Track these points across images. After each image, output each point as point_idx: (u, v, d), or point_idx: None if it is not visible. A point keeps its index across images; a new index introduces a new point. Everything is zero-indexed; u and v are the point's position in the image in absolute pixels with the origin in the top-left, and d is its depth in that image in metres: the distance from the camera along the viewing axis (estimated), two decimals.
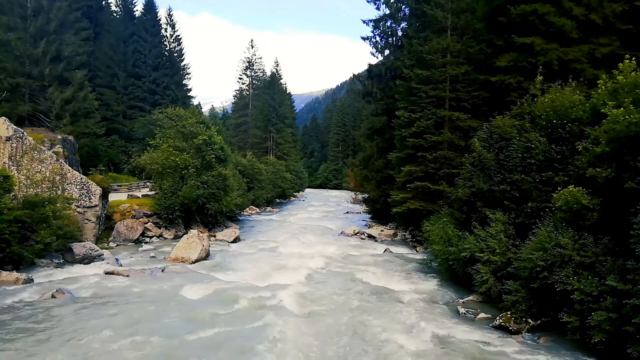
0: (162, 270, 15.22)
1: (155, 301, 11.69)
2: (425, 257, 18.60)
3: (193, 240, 17.86)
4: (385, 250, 20.88)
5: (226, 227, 26.43)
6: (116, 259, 16.86)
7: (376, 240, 24.73)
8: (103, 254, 16.83)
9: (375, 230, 26.81)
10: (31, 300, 11.42)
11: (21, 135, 18.04)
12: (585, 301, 8.72)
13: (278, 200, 54.05)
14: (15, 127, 18.18)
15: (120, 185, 31.46)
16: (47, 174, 17.96)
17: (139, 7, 48.98)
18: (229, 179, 26.63)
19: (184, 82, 51.97)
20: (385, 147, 27.88)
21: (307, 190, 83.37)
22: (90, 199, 19.32)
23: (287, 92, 79.03)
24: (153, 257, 18.12)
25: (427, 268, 16.69)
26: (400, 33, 28.97)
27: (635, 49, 15.10)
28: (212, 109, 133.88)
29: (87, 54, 34.78)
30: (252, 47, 68.40)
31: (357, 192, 46.54)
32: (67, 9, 30.49)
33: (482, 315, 11.22)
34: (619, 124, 9.12)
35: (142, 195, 27.39)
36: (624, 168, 9.19)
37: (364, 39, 29.65)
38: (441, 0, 21.74)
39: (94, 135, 33.76)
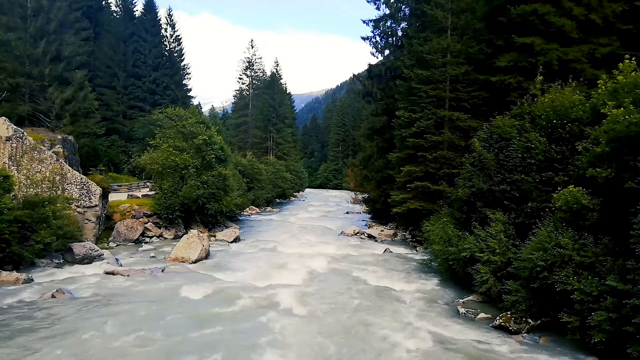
0: (162, 270, 15.23)
1: (155, 301, 11.69)
2: (425, 257, 18.59)
3: (193, 240, 17.86)
4: (385, 250, 20.88)
5: (226, 227, 26.43)
6: (116, 259, 16.86)
7: (376, 240, 24.73)
8: (103, 254, 16.83)
9: (375, 230, 26.81)
10: (31, 300, 11.42)
11: (21, 135, 18.04)
12: (585, 301, 8.71)
13: (278, 200, 54.06)
14: (15, 127, 18.19)
15: (120, 185, 31.47)
16: (47, 174, 17.96)
17: (139, 7, 49.11)
18: (229, 179, 26.64)
19: (184, 82, 52.01)
20: (385, 147, 27.89)
21: (307, 190, 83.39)
22: (90, 199, 19.32)
23: (287, 92, 79.05)
24: (153, 257, 18.12)
25: (427, 268, 16.69)
26: (400, 33, 29.00)
27: (635, 49, 15.10)
28: (212, 109, 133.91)
29: (87, 54, 34.79)
30: (252, 47, 68.49)
31: (357, 192, 46.54)
32: (67, 9, 30.49)
33: (482, 315, 11.22)
34: (619, 124, 9.11)
35: (142, 195, 27.39)
36: (624, 168, 9.18)
37: (364, 39, 29.69)
38: (441, 0, 21.75)
39: (94, 135, 33.76)
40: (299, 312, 11.29)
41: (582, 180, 10.19)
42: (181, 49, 51.65)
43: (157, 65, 46.57)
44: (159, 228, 22.99)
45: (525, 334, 9.96)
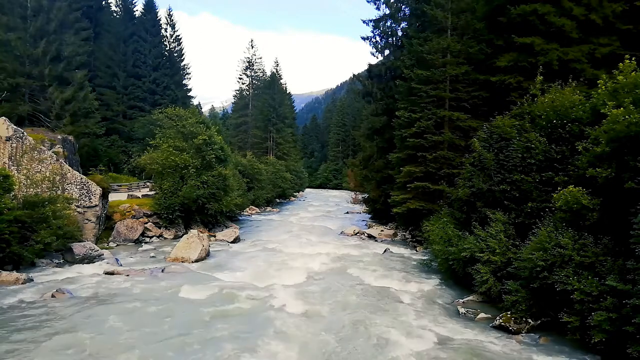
0: (162, 270, 15.23)
1: (155, 301, 11.68)
2: (425, 257, 18.61)
3: (193, 240, 17.86)
4: (385, 250, 20.87)
5: (226, 227, 26.43)
6: (116, 259, 16.87)
7: (376, 240, 24.73)
8: (103, 254, 16.83)
9: (375, 230, 26.81)
10: (31, 300, 11.42)
11: (21, 135, 18.04)
12: (585, 301, 8.72)
13: (278, 200, 54.05)
14: (15, 127, 18.19)
15: (120, 185, 31.46)
16: (47, 174, 17.96)
17: (139, 7, 49.06)
18: (229, 179, 26.64)
19: (184, 82, 51.98)
20: (385, 147, 27.88)
21: (307, 190, 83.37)
22: (90, 199, 19.32)
23: (287, 92, 79.01)
24: (153, 257, 18.12)
25: (427, 268, 16.69)
26: (400, 33, 29.00)
27: (635, 49, 15.11)
28: (212, 109, 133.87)
29: (87, 54, 34.77)
30: (252, 47, 68.43)
31: (357, 192, 46.56)
32: (67, 9, 30.47)
33: (482, 315, 11.22)
34: (619, 124, 9.12)
35: (142, 195, 27.39)
36: (624, 168, 9.19)
37: (364, 39, 29.68)
38: (441, 0, 21.74)
39: (94, 135, 33.75)
40: (299, 312, 11.30)
41: (582, 180, 10.20)
42: (181, 49, 51.65)
43: (157, 65, 46.55)
44: (159, 228, 22.99)
45: (525, 334, 9.96)
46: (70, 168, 19.59)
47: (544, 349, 9.18)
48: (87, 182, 19.45)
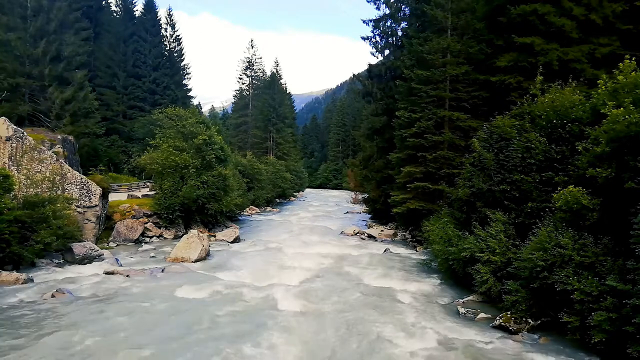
0: (162, 270, 15.23)
1: (155, 301, 11.67)
2: (425, 257, 18.61)
3: (193, 240, 17.86)
4: (385, 250, 20.88)
5: (226, 227, 26.43)
6: (116, 259, 16.86)
7: (376, 240, 24.73)
8: (103, 254, 16.83)
9: (375, 230, 26.81)
10: (31, 300, 11.42)
11: (21, 135, 18.04)
12: (585, 301, 8.71)
13: (278, 200, 54.05)
14: (15, 127, 18.18)
15: (120, 185, 31.47)
16: (47, 174, 17.96)
17: (139, 7, 49.12)
18: (229, 179, 26.63)
19: (184, 82, 52.01)
20: (385, 147, 27.88)
21: (307, 190, 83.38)
22: (90, 199, 19.32)
23: (287, 92, 79.03)
24: (153, 257, 18.12)
25: (427, 268, 16.69)
26: (400, 33, 28.99)
27: (635, 49, 15.11)
28: (212, 109, 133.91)
29: (87, 54, 34.79)
30: (252, 47, 68.47)
31: (357, 192, 46.55)
32: (67, 9, 30.49)
33: (482, 315, 11.22)
34: (619, 124, 9.12)
35: (142, 195, 27.39)
36: (624, 168, 9.19)
37: (364, 39, 29.68)
38: (441, 0, 21.75)
39: (94, 135, 33.77)
40: (299, 312, 11.30)
41: (582, 180, 10.19)
42: (181, 49, 51.67)
43: (157, 65, 46.57)
44: (159, 228, 22.99)
45: (525, 334, 9.96)
46: (70, 168, 19.59)
47: (544, 349, 9.18)
48: (87, 182, 19.45)
